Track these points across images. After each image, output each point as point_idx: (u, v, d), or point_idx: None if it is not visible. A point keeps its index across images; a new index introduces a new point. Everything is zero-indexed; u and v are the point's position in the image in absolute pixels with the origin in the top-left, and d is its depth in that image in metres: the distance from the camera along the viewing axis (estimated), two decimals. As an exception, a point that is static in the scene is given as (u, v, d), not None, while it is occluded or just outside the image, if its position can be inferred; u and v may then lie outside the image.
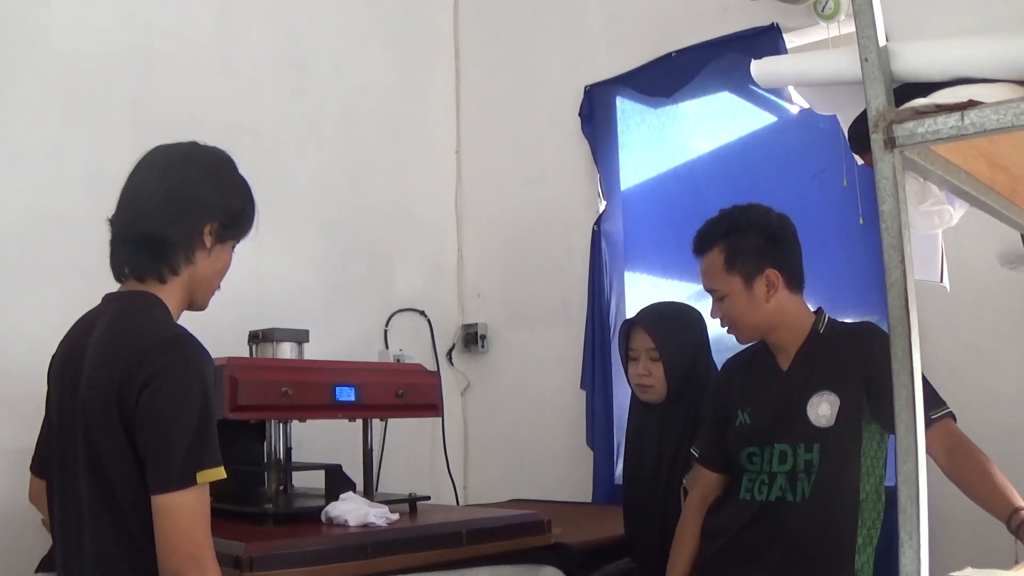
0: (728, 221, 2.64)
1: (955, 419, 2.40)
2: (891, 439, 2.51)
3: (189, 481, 1.76)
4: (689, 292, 4.00)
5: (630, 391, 3.23)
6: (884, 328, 2.59)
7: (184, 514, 1.75)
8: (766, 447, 2.55)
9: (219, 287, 2.11)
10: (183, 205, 1.97)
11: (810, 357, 2.57)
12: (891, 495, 2.11)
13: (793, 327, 2.59)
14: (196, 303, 2.06)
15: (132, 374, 1.80)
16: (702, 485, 2.75)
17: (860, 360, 2.47)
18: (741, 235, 2.59)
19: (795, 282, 2.61)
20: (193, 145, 2.08)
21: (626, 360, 3.13)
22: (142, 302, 1.95)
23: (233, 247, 2.11)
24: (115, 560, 1.85)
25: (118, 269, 2.02)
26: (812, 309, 2.65)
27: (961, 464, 2.32)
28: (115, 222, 2.00)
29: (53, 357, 2.07)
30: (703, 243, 2.65)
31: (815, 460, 2.46)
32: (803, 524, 2.46)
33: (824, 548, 2.46)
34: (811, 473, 2.46)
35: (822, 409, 2.47)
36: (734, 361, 2.83)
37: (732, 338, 2.71)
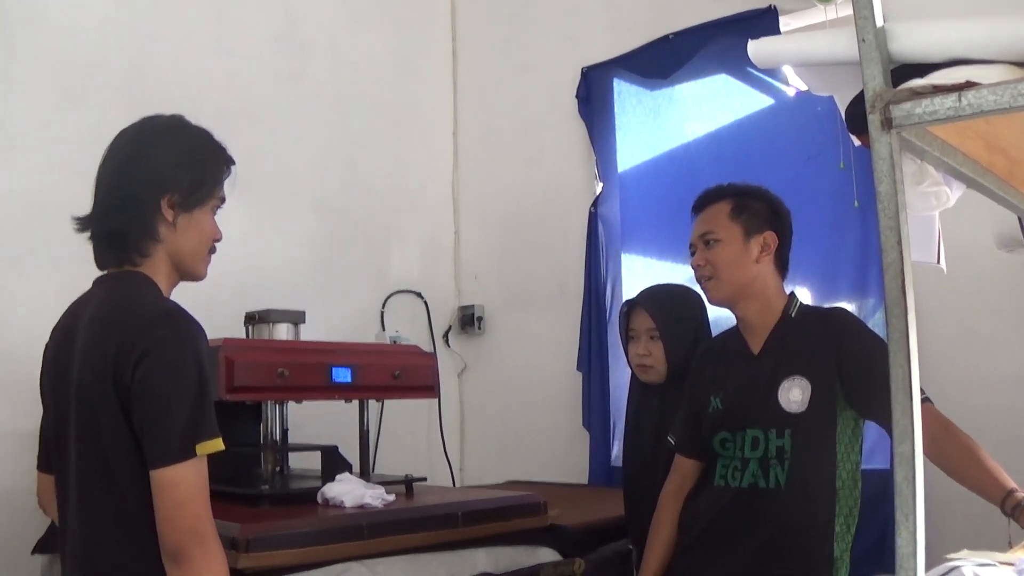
0: (740, 185, 2.68)
1: (932, 404, 2.39)
2: (868, 425, 2.51)
3: (188, 454, 1.76)
4: (686, 275, 3.99)
5: (627, 373, 3.22)
6: (880, 312, 2.60)
7: (184, 487, 1.75)
8: (738, 432, 2.55)
9: (212, 252, 2.07)
10: (130, 187, 1.94)
11: (781, 341, 2.57)
12: (882, 481, 2.11)
13: (765, 303, 2.59)
14: (188, 274, 2.03)
15: (127, 349, 1.79)
16: (678, 473, 2.76)
17: (832, 345, 2.47)
18: (752, 197, 2.64)
19: (782, 261, 2.63)
20: (144, 121, 2.03)
21: (626, 340, 3.13)
22: (131, 280, 1.94)
23: (214, 209, 2.05)
24: (109, 539, 1.84)
25: (98, 263, 2.01)
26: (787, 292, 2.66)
27: (946, 448, 2.30)
28: (82, 221, 1.99)
29: (47, 345, 2.06)
30: (711, 196, 2.68)
31: (787, 446, 2.45)
32: (778, 511, 2.46)
33: (801, 536, 2.45)
34: (784, 459, 2.46)
35: (793, 394, 2.46)
36: (708, 347, 2.84)
37: (732, 320, 2.71)
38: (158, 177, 1.95)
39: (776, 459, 2.46)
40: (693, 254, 2.67)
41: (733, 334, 2.70)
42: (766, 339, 2.59)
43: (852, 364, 2.41)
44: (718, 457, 2.59)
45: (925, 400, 2.38)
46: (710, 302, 2.70)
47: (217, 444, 1.81)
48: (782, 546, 2.45)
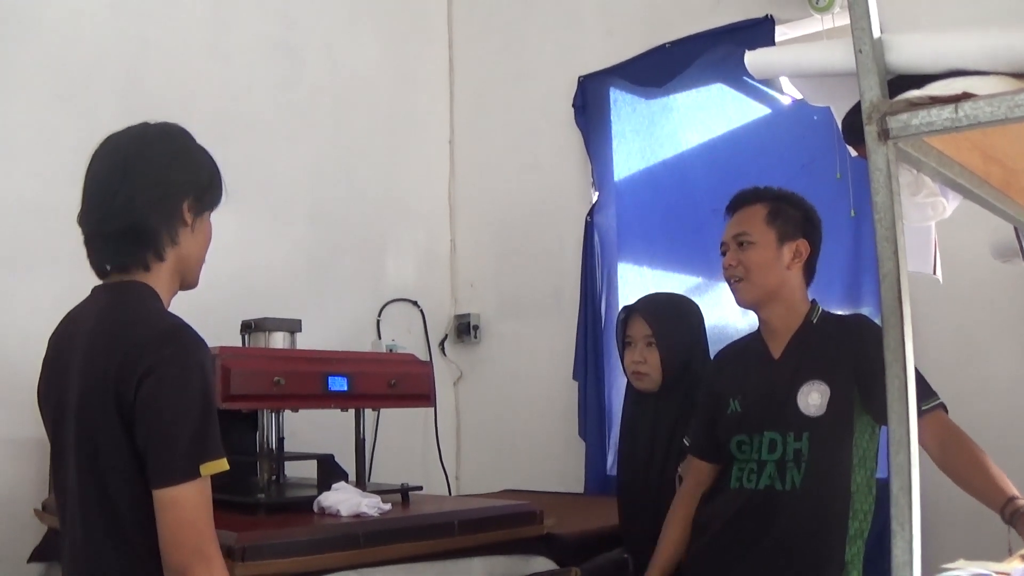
0: (777, 190, 2.70)
1: (947, 410, 2.41)
2: (883, 431, 2.52)
3: (193, 474, 1.74)
4: (681, 283, 4.00)
5: (622, 381, 3.23)
6: (876, 320, 2.61)
7: (188, 507, 1.73)
8: (756, 435, 2.56)
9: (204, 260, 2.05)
10: (156, 190, 1.90)
11: (802, 346, 2.58)
12: (883, 488, 2.12)
13: (790, 308, 2.61)
14: (188, 282, 2.01)
15: (130, 366, 1.76)
16: (694, 474, 2.77)
17: (851, 351, 2.48)
18: (789, 203, 2.65)
19: (810, 268, 2.66)
20: (144, 127, 2.01)
21: (623, 347, 3.14)
22: (133, 292, 1.90)
23: (208, 216, 2.04)
24: (105, 553, 1.82)
25: (99, 266, 1.95)
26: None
27: (954, 455, 2.33)
28: (87, 221, 1.94)
29: (45, 358, 2.00)
30: (748, 197, 2.69)
31: (804, 449, 2.47)
32: (793, 513, 2.47)
33: (814, 538, 2.46)
34: (801, 462, 2.47)
35: (812, 398, 2.48)
36: (726, 350, 2.85)
37: (727, 330, 2.72)
38: (179, 181, 1.94)
39: (793, 462, 2.48)
40: (724, 253, 2.68)
41: (753, 338, 2.72)
42: (787, 343, 2.61)
43: (869, 370, 2.42)
44: (734, 460, 2.61)
45: (939, 407, 2.40)
46: (738, 304, 2.70)
47: (222, 464, 1.79)
48: (796, 547, 2.46)
